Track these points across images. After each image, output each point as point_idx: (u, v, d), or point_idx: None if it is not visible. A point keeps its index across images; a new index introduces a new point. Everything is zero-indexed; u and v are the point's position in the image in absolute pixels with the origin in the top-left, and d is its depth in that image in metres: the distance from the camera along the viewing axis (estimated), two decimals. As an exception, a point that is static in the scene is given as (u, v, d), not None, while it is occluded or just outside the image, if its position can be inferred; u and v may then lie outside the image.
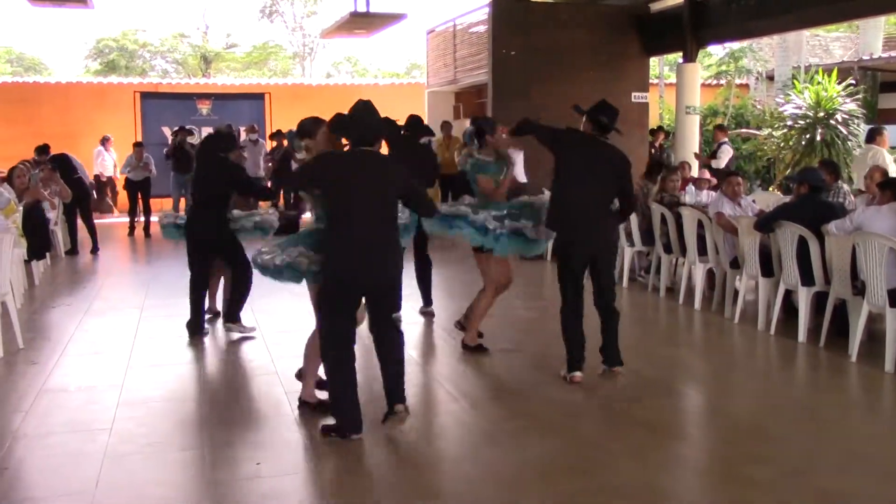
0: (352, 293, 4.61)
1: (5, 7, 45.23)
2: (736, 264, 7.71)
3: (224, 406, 5.35)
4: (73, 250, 12.07)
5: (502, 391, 5.68)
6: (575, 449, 4.58)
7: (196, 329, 7.02)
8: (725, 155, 13.13)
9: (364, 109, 4.67)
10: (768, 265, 7.19)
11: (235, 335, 7.00)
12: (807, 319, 6.72)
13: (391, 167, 4.71)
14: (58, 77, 25.55)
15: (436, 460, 4.50)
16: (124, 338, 7.01)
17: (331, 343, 4.59)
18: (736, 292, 7.71)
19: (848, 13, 11.15)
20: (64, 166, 12.04)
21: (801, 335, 6.72)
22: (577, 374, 5.68)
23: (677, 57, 15.13)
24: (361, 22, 14.19)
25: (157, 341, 6.95)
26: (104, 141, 16.93)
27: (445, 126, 15.38)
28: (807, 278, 6.68)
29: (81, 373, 6.03)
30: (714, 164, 12.89)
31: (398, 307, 4.75)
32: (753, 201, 8.40)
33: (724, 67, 19.49)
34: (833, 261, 6.49)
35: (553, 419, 5.06)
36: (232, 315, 7.06)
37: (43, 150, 12.91)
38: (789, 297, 7.15)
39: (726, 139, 13.48)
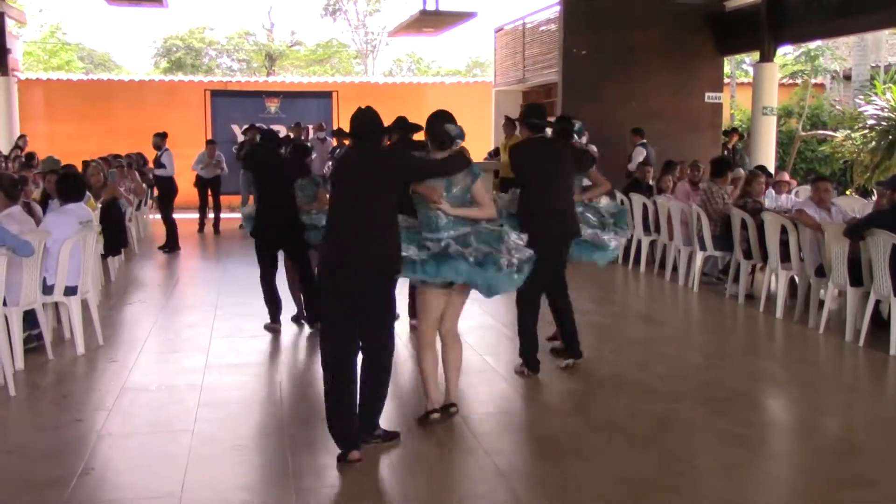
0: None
1: (78, 4, 46.42)
2: (821, 272, 7.44)
3: (303, 409, 5.33)
4: (174, 246, 12.22)
5: (582, 401, 5.55)
6: (664, 464, 4.43)
7: (298, 319, 7.49)
8: (638, 156, 12.51)
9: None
10: (857, 274, 6.92)
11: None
12: (900, 332, 6.46)
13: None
14: (130, 75, 25.99)
15: (523, 474, 4.39)
16: (201, 336, 7.05)
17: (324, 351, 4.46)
18: (820, 301, 7.45)
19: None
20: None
21: (893, 348, 6.46)
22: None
23: (748, 56, 14.79)
24: (430, 20, 14.16)
25: (233, 340, 6.97)
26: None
27: (508, 124, 14.95)
28: (900, 289, 6.41)
29: (161, 371, 6.07)
30: (629, 166, 12.37)
31: (384, 318, 4.50)
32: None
33: (799, 67, 18.95)
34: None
35: (637, 431, 4.92)
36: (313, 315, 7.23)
37: (162, 136, 13.24)
38: (877, 307, 6.89)
39: (643, 141, 12.78)
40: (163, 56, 38.69)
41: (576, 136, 6.47)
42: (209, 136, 17.19)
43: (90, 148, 15.87)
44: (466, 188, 4.72)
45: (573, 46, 13.91)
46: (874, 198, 15.75)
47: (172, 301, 8.76)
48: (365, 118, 4.50)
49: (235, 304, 8.33)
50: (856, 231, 6.72)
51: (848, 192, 15.51)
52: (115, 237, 9.30)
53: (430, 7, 13.93)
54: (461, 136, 4.78)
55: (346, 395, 4.34)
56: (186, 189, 14.35)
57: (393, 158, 4.64)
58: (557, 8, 14.33)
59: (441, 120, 4.78)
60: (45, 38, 35.01)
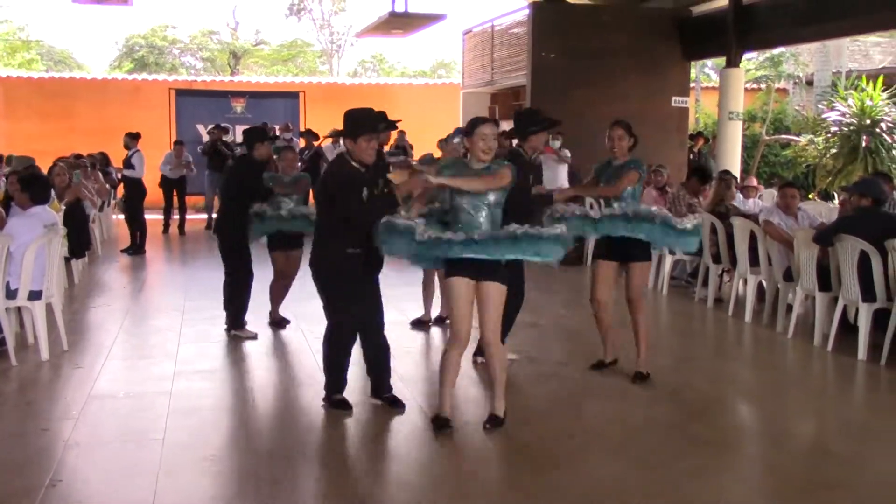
0: None
1: (39, 1, 45.67)
2: (789, 276, 7.51)
3: (275, 416, 5.27)
4: (140, 248, 11.99)
5: (557, 408, 5.53)
6: (641, 470, 4.42)
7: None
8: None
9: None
10: (825, 279, 6.99)
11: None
12: (867, 337, 6.53)
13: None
14: (93, 73, 25.60)
15: (500, 482, 4.36)
16: (168, 342, 6.93)
17: None
18: (789, 306, 7.52)
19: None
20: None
21: (861, 353, 6.52)
22: None
23: (710, 60, 14.92)
24: (400, 22, 14.09)
25: (201, 345, 6.86)
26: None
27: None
28: (868, 294, 6.49)
29: (128, 378, 5.95)
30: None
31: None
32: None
33: (763, 72, 19.17)
34: (898, 277, 6.29)
35: (613, 437, 4.91)
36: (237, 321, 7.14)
37: (136, 137, 13.00)
38: (845, 312, 6.96)
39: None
40: (125, 55, 38.17)
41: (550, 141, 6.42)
42: (174, 136, 17.00)
43: (51, 147, 15.58)
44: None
45: (542, 49, 13.91)
46: (837, 202, 16.07)
47: (138, 305, 8.62)
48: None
49: (203, 308, 8.21)
50: (824, 237, 6.79)
51: (811, 196, 15.71)
52: (78, 239, 9.14)
53: (399, 9, 13.89)
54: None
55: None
56: (152, 189, 14.15)
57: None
58: (526, 11, 14.34)
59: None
60: (3, 35, 34.38)
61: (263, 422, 5.17)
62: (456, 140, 6.97)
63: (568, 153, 12.25)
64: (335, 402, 5.21)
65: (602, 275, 6.00)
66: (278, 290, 7.47)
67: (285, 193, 7.15)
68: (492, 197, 4.64)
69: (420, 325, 7.45)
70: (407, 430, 4.96)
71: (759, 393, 5.98)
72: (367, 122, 4.96)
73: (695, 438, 4.88)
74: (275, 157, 7.71)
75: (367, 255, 4.91)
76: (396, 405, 5.22)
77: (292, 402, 5.57)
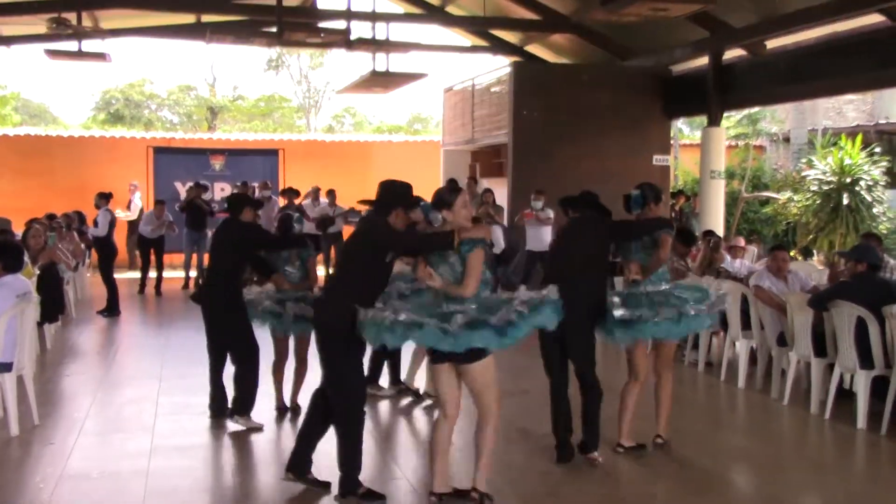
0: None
1: (16, 55, 45.59)
2: (782, 341, 7.38)
3: (257, 497, 4.99)
4: (115, 310, 11.70)
5: (555, 486, 5.30)
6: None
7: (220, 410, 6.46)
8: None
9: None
10: (820, 344, 6.86)
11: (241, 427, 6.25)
12: (866, 405, 6.37)
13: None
14: (69, 129, 25.39)
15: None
16: (144, 413, 6.64)
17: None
18: (783, 371, 7.38)
19: (886, 81, 11.01)
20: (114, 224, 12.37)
21: (860, 421, 6.36)
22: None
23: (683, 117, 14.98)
24: (381, 80, 14.11)
25: (179, 417, 6.57)
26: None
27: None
28: (865, 361, 6.35)
29: (102, 456, 5.66)
30: None
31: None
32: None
33: (741, 129, 19.35)
34: (897, 344, 6.16)
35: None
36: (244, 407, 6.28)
37: (106, 197, 12.66)
38: (841, 377, 6.82)
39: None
40: (101, 109, 38.06)
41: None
42: (152, 193, 16.78)
43: (28, 205, 15.33)
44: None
45: (523, 108, 13.92)
46: (816, 258, 16.12)
47: (113, 372, 8.32)
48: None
49: (180, 377, 7.94)
50: (820, 302, 6.67)
51: (792, 253, 15.71)
52: (52, 304, 8.85)
53: (381, 68, 13.89)
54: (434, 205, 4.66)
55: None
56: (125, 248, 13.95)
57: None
58: (507, 70, 14.38)
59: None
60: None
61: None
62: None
63: (551, 213, 12.16)
64: (366, 495, 4.79)
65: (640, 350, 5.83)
66: (283, 374, 6.67)
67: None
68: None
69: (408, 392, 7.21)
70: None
71: (760, 468, 5.72)
72: (407, 197, 4.88)
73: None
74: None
75: None
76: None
77: (270, 480, 5.29)
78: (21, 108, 37.67)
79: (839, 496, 5.24)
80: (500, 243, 11.83)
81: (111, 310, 11.58)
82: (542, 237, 12.29)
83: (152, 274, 14.04)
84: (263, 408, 6.46)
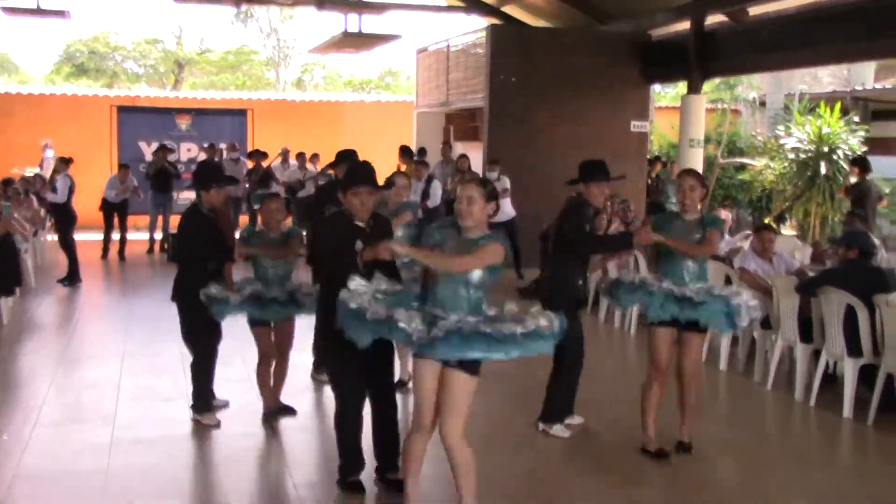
0: None
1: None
2: (766, 324, 7.19)
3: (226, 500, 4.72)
4: (75, 278, 11.25)
5: (535, 483, 5.09)
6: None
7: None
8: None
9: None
10: (806, 329, 6.68)
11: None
12: (853, 393, 6.22)
13: None
14: (31, 86, 24.59)
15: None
16: (106, 399, 6.30)
17: None
18: (766, 355, 7.21)
19: (874, 52, 10.78)
20: (73, 190, 11.84)
21: (847, 410, 6.21)
22: None
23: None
24: (354, 41, 13.67)
25: (142, 403, 6.27)
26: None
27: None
28: (853, 349, 6.18)
29: (60, 451, 5.33)
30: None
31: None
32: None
33: (718, 95, 19.07)
34: (888, 332, 5.98)
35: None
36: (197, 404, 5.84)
37: (66, 162, 12.17)
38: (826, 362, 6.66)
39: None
40: (65, 61, 36.99)
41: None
42: (115, 154, 16.27)
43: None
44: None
45: (500, 72, 13.54)
46: (787, 223, 16.00)
47: (72, 349, 7.96)
48: None
49: (144, 352, 7.63)
50: (808, 288, 6.49)
51: (767, 220, 15.62)
52: (7, 277, 8.46)
53: (353, 29, 13.43)
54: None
55: None
56: (91, 213, 13.46)
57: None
58: (483, 33, 13.96)
59: None
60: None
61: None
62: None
63: (507, 182, 11.81)
64: (347, 483, 4.69)
65: (661, 341, 5.37)
66: (269, 375, 5.87)
67: (272, 258, 5.68)
68: (475, 276, 3.98)
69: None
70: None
71: (744, 460, 5.54)
72: (361, 175, 4.59)
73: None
74: (255, 207, 6.50)
75: None
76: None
77: (242, 480, 5.03)
78: (-18, 59, 36.62)
79: (825, 490, 5.07)
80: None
81: (71, 278, 11.16)
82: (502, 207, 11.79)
83: (116, 237, 13.60)
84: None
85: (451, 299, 3.97)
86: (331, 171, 7.53)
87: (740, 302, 5.11)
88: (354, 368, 4.49)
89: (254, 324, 5.72)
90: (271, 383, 5.88)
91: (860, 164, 10.96)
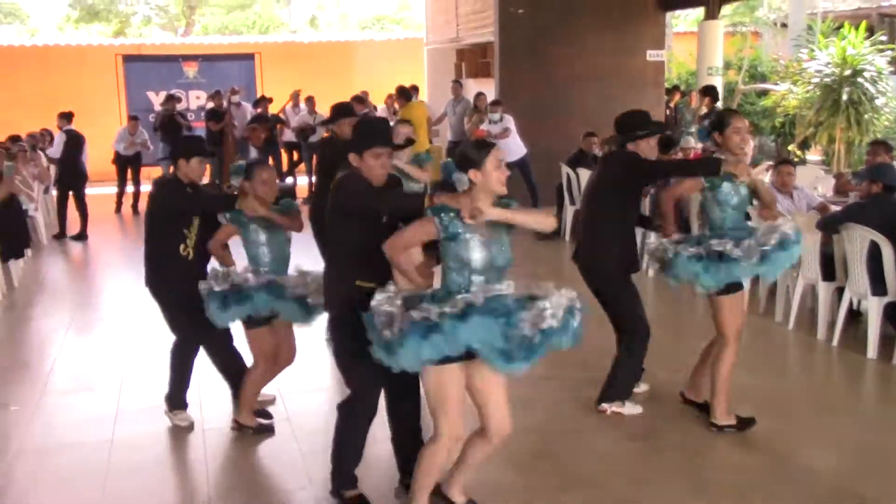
0: None
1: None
2: (787, 262, 6.95)
3: (232, 474, 4.61)
4: (61, 234, 11.26)
5: (546, 445, 4.95)
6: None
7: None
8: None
9: None
10: (829, 267, 6.46)
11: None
12: (877, 333, 6.02)
13: None
14: (35, 39, 24.32)
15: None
16: (115, 366, 6.23)
17: None
18: (788, 294, 7.00)
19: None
20: (76, 145, 11.49)
21: (871, 350, 6.01)
22: None
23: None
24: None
25: (152, 368, 6.16)
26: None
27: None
28: (878, 287, 5.96)
29: (67, 423, 5.26)
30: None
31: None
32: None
33: (738, 18, 18.47)
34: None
35: (613, 485, 4.35)
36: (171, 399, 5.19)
37: (66, 117, 11.95)
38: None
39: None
40: (75, 4, 36.60)
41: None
42: (124, 105, 16.09)
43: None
44: None
45: (509, 5, 13.12)
46: (813, 148, 15.55)
47: (83, 312, 7.90)
48: None
49: (156, 316, 7.50)
50: (830, 224, 6.25)
51: (790, 147, 15.23)
52: (14, 239, 8.38)
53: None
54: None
55: None
56: (104, 166, 13.37)
57: None
58: (492, -37, 13.51)
59: None
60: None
61: (217, 487, 4.53)
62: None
63: (509, 123, 11.50)
64: (346, 499, 4.06)
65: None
66: (261, 382, 5.03)
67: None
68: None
69: None
70: None
71: (766, 410, 5.33)
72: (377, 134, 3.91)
73: (699, 475, 4.35)
74: (237, 181, 4.79)
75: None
76: None
77: (252, 461, 4.93)
78: (-6, 9, 36.31)
79: (848, 432, 4.91)
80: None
81: (79, 235, 11.17)
82: (507, 146, 11.39)
83: (130, 190, 13.50)
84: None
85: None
86: (325, 134, 6.84)
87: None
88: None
89: (248, 325, 4.78)
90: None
91: None
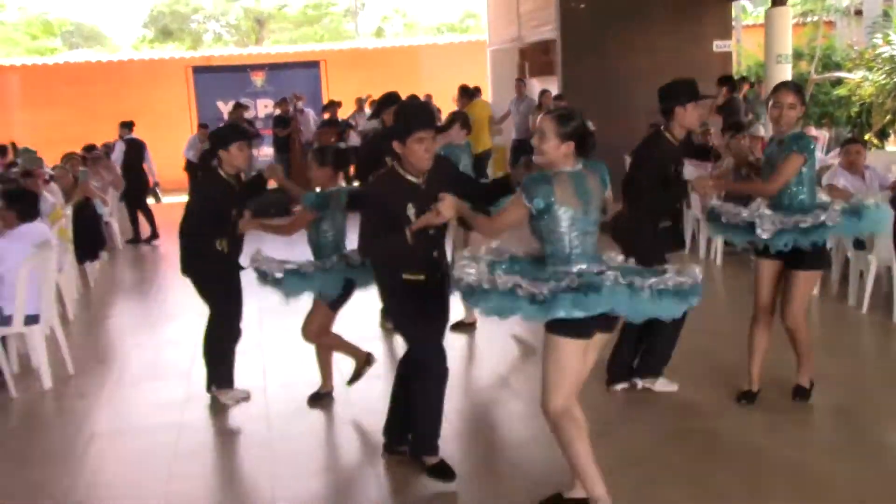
0: None
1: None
2: (860, 244, 6.75)
3: (302, 454, 4.64)
4: (135, 239, 11.60)
5: (607, 427, 4.89)
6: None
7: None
8: None
9: None
10: (904, 247, 6.24)
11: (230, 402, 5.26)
12: (955, 313, 5.80)
13: None
14: (110, 53, 25.15)
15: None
16: (183, 357, 6.34)
17: None
18: (861, 275, 6.78)
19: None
20: (137, 153, 11.84)
21: (950, 331, 5.80)
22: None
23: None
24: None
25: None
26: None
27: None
28: (955, 265, 5.74)
29: (135, 409, 5.43)
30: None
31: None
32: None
33: (809, 6, 18.01)
34: None
35: (673, 461, 4.27)
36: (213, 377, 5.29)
37: (127, 125, 12.32)
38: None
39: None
40: (150, 23, 37.77)
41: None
42: (194, 116, 16.49)
43: (73, 134, 15.19)
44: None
45: (570, 0, 13.05)
46: (893, 137, 15.03)
47: (153, 309, 8.12)
48: None
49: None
50: (902, 201, 6.04)
51: (867, 137, 14.76)
52: (90, 241, 8.65)
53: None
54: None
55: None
56: (176, 174, 13.75)
57: None
58: (552, -41, 13.46)
59: None
60: (28, 21, 34.21)
61: (284, 467, 4.59)
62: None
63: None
64: (432, 468, 4.08)
65: (764, 276, 4.79)
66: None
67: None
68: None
69: (462, 327, 6.55)
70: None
71: (841, 389, 5.15)
72: (418, 117, 3.82)
73: (768, 456, 4.23)
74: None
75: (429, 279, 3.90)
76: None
77: (318, 434, 4.99)
78: (75, 32, 37.64)
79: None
80: None
81: (150, 237, 11.50)
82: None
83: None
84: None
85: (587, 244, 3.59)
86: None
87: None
88: (433, 321, 4.01)
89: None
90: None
91: None
